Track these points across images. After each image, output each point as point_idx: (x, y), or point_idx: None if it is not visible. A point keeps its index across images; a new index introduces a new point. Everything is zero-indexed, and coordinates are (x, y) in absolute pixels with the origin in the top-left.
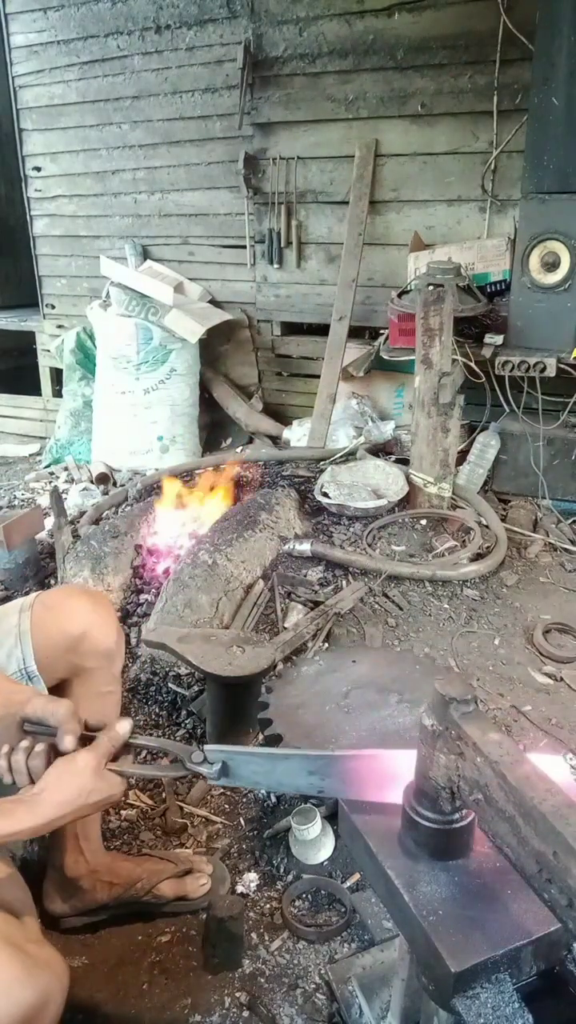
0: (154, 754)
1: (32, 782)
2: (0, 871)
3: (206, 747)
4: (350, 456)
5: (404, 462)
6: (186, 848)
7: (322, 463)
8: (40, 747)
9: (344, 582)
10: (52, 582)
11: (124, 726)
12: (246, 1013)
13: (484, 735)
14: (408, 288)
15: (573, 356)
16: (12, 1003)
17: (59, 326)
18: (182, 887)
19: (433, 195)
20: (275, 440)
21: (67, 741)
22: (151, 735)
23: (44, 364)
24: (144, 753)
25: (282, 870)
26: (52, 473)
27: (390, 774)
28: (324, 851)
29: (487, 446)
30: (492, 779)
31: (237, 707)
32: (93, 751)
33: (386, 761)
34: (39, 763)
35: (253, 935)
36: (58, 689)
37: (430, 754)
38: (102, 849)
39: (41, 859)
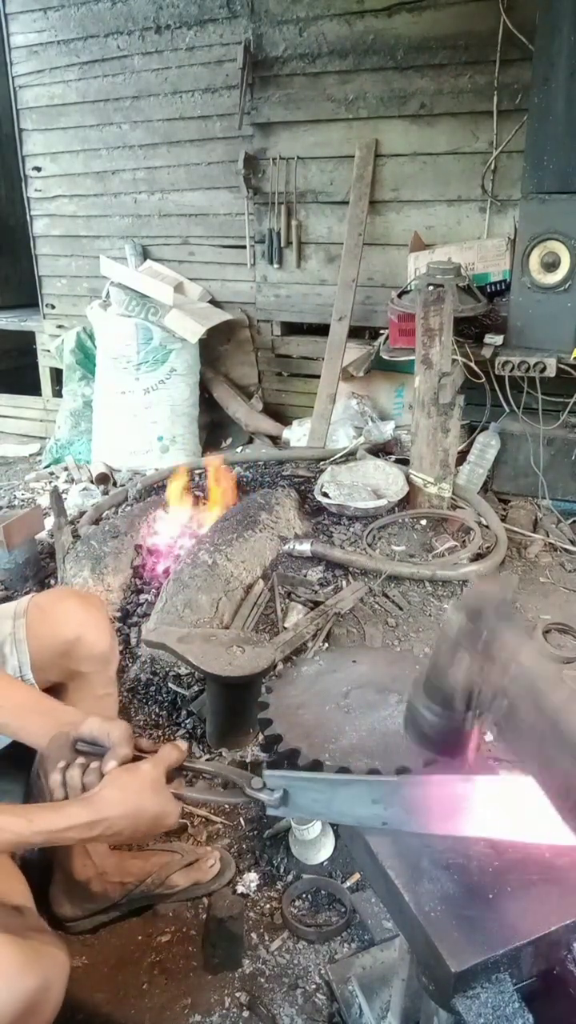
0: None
1: None
2: None
3: (266, 773)
4: (350, 456)
5: (404, 462)
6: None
7: (322, 463)
8: (95, 765)
9: (344, 582)
10: (52, 582)
11: (182, 744)
12: (246, 1013)
13: (522, 645)
14: (408, 288)
15: (573, 356)
16: (14, 990)
17: (59, 326)
18: (193, 875)
19: (433, 195)
20: (275, 440)
21: (110, 765)
22: (151, 735)
23: (44, 364)
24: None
25: (282, 870)
26: (52, 473)
27: (459, 803)
28: (324, 851)
29: (487, 446)
30: (523, 691)
31: (237, 707)
32: (153, 763)
33: (455, 787)
34: (94, 780)
35: (253, 935)
36: (51, 692)
37: (452, 653)
38: (108, 850)
39: (43, 861)
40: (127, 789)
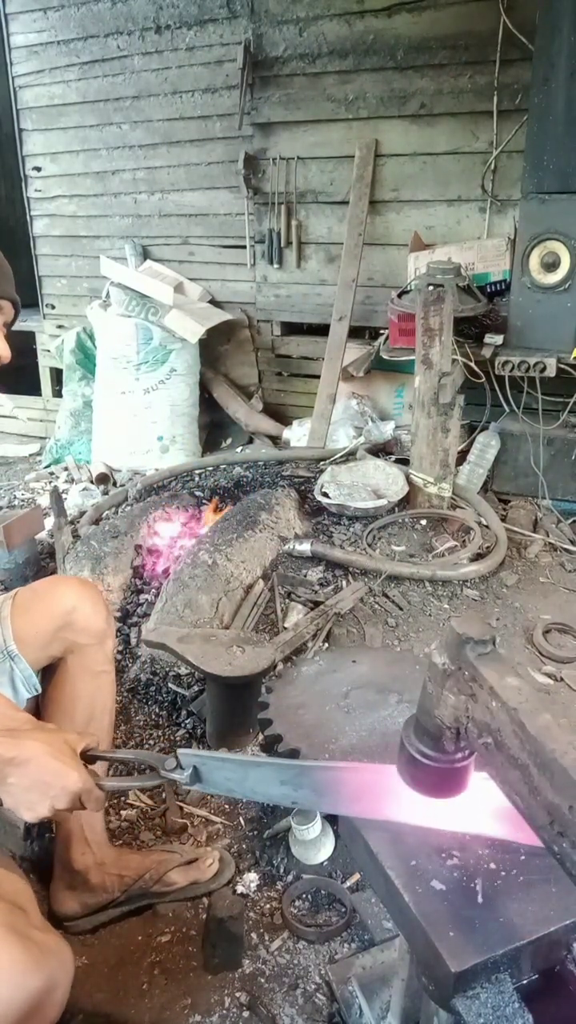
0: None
1: None
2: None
3: (179, 751)
4: (350, 456)
5: (404, 462)
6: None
7: (322, 463)
8: None
9: (344, 582)
10: None
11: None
12: (246, 1013)
13: (502, 679)
14: (408, 288)
15: (573, 356)
16: (20, 989)
17: (59, 326)
18: (191, 873)
19: (433, 195)
20: (275, 440)
21: None
22: (151, 735)
23: (44, 364)
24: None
25: (282, 870)
26: (52, 473)
27: (367, 788)
28: (324, 851)
29: (487, 446)
30: (507, 725)
31: (237, 707)
32: (72, 738)
33: (363, 774)
34: None
35: (253, 935)
36: (52, 669)
37: (438, 693)
38: (108, 842)
39: (43, 860)
40: (46, 741)
